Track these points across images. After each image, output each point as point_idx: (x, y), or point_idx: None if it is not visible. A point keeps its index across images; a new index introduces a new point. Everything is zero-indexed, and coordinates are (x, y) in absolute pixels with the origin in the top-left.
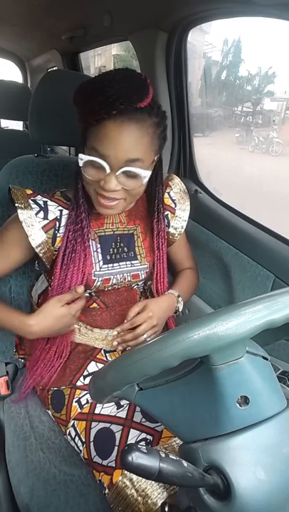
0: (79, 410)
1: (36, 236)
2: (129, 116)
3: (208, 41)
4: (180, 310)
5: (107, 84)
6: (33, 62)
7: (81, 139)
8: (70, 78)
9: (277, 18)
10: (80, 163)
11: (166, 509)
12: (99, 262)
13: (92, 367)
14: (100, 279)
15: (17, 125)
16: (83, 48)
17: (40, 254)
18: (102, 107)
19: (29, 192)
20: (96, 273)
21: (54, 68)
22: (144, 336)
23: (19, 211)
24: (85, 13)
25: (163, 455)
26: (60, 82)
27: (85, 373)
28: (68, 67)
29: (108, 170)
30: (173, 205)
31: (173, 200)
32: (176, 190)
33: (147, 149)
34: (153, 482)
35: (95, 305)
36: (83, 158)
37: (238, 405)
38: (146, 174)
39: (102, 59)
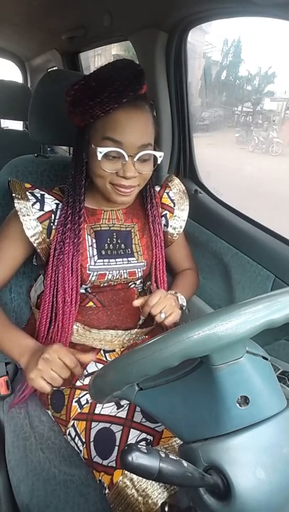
0: (79, 410)
1: (31, 225)
2: (135, 104)
3: (208, 41)
4: (184, 306)
5: (113, 75)
6: (33, 62)
7: (79, 137)
8: (70, 78)
9: (278, 18)
10: (99, 157)
11: (166, 509)
12: (93, 256)
13: (92, 367)
14: (95, 273)
15: (17, 125)
16: (83, 48)
17: (35, 245)
18: (113, 96)
19: (28, 185)
20: (90, 267)
21: (54, 68)
22: (162, 315)
23: (15, 201)
24: (85, 13)
25: (163, 455)
26: (60, 82)
27: (85, 373)
28: (68, 67)
29: (126, 158)
30: (172, 205)
31: (172, 200)
32: (175, 190)
33: (152, 134)
34: (153, 482)
35: (91, 304)
36: (102, 151)
37: (238, 405)
38: (160, 154)
39: (102, 59)
